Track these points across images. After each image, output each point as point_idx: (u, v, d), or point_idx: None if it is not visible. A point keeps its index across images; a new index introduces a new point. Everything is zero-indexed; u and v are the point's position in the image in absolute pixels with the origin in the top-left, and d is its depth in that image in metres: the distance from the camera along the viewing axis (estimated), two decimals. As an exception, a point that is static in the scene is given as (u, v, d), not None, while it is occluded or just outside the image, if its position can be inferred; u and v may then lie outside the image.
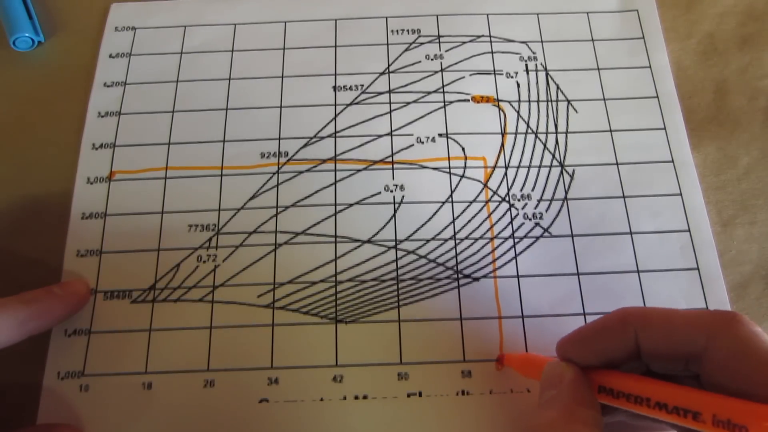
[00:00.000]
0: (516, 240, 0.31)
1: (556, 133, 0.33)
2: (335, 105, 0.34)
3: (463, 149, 0.33)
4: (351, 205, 0.31)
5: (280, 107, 0.34)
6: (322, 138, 0.33)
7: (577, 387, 0.22)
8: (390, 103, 0.34)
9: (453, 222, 0.31)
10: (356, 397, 0.28)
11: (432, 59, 0.35)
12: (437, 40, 0.36)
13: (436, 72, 0.35)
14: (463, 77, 0.34)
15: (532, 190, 0.32)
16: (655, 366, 0.22)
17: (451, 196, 0.32)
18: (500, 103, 0.34)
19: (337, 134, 0.33)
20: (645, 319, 0.21)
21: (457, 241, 0.31)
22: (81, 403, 0.28)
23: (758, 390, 0.18)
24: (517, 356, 0.28)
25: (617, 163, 0.32)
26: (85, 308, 0.30)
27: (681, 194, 0.32)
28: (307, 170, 0.32)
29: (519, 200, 0.32)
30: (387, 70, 0.35)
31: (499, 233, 0.31)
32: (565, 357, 0.23)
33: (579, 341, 0.23)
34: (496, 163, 0.32)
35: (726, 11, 0.36)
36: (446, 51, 0.35)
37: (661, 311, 0.21)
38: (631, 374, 0.22)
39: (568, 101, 0.34)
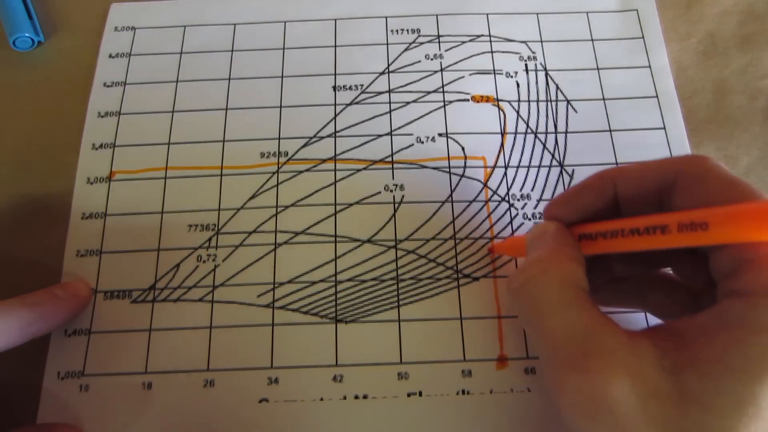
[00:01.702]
0: (516, 240, 0.31)
1: (556, 133, 0.33)
2: (335, 105, 0.34)
3: (463, 149, 0.33)
4: (351, 204, 0.31)
5: (280, 107, 0.34)
6: (322, 138, 0.33)
7: (561, 233, 0.24)
8: (390, 102, 0.34)
9: (453, 222, 0.31)
10: (356, 397, 0.28)
11: (432, 59, 0.35)
12: (437, 40, 0.36)
13: (435, 72, 0.35)
14: (463, 77, 0.34)
15: (532, 189, 0.32)
16: (631, 213, 0.23)
17: (450, 195, 0.32)
18: (500, 103, 0.34)
19: (337, 134, 0.33)
20: (621, 170, 0.23)
21: (457, 241, 0.31)
22: (81, 403, 0.28)
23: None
24: (504, 242, 0.29)
25: (617, 163, 0.32)
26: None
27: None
28: (307, 170, 0.32)
29: (519, 200, 0.32)
30: (387, 70, 0.35)
31: (499, 233, 0.31)
32: (550, 217, 0.25)
33: (561, 201, 0.25)
34: (496, 162, 0.32)
35: (726, 11, 0.36)
36: (446, 51, 0.35)
37: (636, 163, 0.23)
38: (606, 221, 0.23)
39: (568, 101, 0.34)
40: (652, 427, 0.18)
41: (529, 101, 0.34)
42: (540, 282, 0.22)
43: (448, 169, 0.32)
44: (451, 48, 0.35)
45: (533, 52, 0.35)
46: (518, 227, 0.31)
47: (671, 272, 0.26)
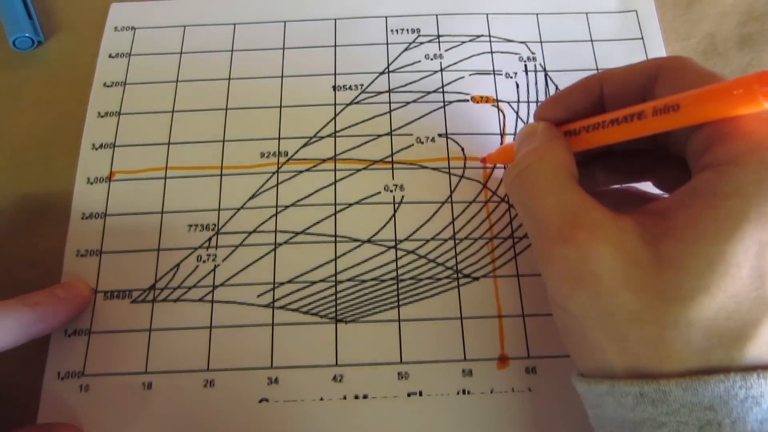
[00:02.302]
0: (516, 240, 0.31)
1: (556, 132, 0.33)
2: (335, 105, 0.34)
3: (463, 149, 0.33)
4: (351, 204, 0.31)
5: (280, 107, 0.34)
6: (322, 138, 0.33)
7: (550, 128, 0.25)
8: (390, 102, 0.34)
9: (452, 222, 0.31)
10: (356, 397, 0.28)
11: (432, 59, 0.35)
12: (437, 40, 0.36)
13: (435, 72, 0.35)
14: (463, 77, 0.34)
15: (532, 189, 0.32)
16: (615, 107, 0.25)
17: (450, 196, 0.32)
18: (499, 104, 0.34)
19: (337, 134, 0.33)
20: (608, 71, 0.25)
21: (457, 241, 0.31)
22: (81, 403, 0.28)
23: None
24: (495, 151, 0.31)
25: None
26: (85, 308, 0.30)
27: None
28: (307, 170, 0.32)
29: (519, 200, 0.32)
30: (387, 70, 0.35)
31: (499, 233, 0.31)
32: (539, 119, 0.27)
33: (550, 102, 0.26)
34: (496, 163, 0.32)
35: (726, 11, 0.37)
36: (446, 51, 0.35)
37: (621, 66, 0.25)
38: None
39: (568, 101, 0.34)
40: (632, 289, 0.20)
41: (528, 102, 0.34)
42: (535, 169, 0.24)
43: (447, 170, 0.32)
44: (451, 48, 0.35)
45: (533, 53, 0.35)
46: (518, 227, 0.31)
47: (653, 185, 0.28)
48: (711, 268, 0.19)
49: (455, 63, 0.35)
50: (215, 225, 0.31)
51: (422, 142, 0.33)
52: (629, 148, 0.27)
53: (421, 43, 0.35)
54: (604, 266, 0.20)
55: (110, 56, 0.36)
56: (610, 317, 0.20)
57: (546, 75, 0.35)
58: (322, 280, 0.30)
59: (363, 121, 0.33)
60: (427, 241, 0.31)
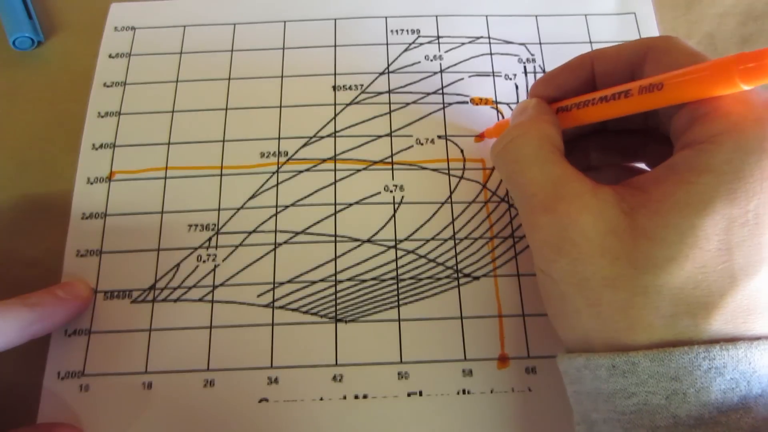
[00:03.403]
0: (516, 239, 0.31)
1: (556, 133, 0.33)
2: (335, 105, 0.34)
3: (462, 151, 0.33)
4: (351, 204, 0.31)
5: (280, 107, 0.34)
6: (322, 138, 0.33)
7: (540, 104, 0.26)
8: (390, 103, 0.34)
9: (452, 222, 0.31)
10: (356, 397, 0.28)
11: (431, 60, 0.35)
12: (437, 41, 0.36)
13: (435, 73, 0.35)
14: (462, 78, 0.35)
15: (532, 190, 0.32)
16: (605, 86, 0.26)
17: (450, 196, 0.32)
18: (499, 105, 0.34)
19: (337, 134, 0.33)
20: (599, 50, 0.26)
21: (457, 241, 0.31)
22: (81, 403, 0.28)
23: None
24: (493, 126, 0.32)
25: (616, 164, 0.32)
26: (85, 308, 0.30)
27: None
28: (307, 170, 0.32)
29: (518, 200, 0.32)
30: (387, 71, 0.35)
31: (499, 233, 0.31)
32: (533, 95, 0.27)
33: (543, 80, 0.27)
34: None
35: (726, 11, 0.37)
36: (445, 52, 0.35)
37: (612, 45, 0.26)
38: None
39: (568, 102, 0.34)
40: (607, 257, 0.21)
41: (528, 102, 0.34)
42: (520, 142, 0.25)
43: (447, 171, 0.32)
44: (450, 49, 0.35)
45: (532, 54, 0.35)
46: (518, 227, 0.31)
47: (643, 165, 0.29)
48: (681, 239, 0.20)
49: (455, 64, 0.35)
50: (215, 225, 0.31)
51: (422, 144, 0.33)
52: (623, 128, 0.29)
53: (421, 44, 0.36)
54: (582, 234, 0.21)
55: (110, 56, 0.36)
56: (586, 282, 0.21)
57: (545, 76, 0.35)
58: (322, 280, 0.30)
59: (363, 122, 0.33)
60: (427, 240, 0.31)
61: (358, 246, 0.31)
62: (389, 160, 0.32)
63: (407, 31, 0.36)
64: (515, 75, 0.35)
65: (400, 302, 0.29)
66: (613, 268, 0.21)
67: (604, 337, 0.21)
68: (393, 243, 0.31)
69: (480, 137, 0.33)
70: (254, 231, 0.31)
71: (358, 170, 0.32)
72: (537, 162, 0.24)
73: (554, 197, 0.22)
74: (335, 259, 0.30)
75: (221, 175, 0.32)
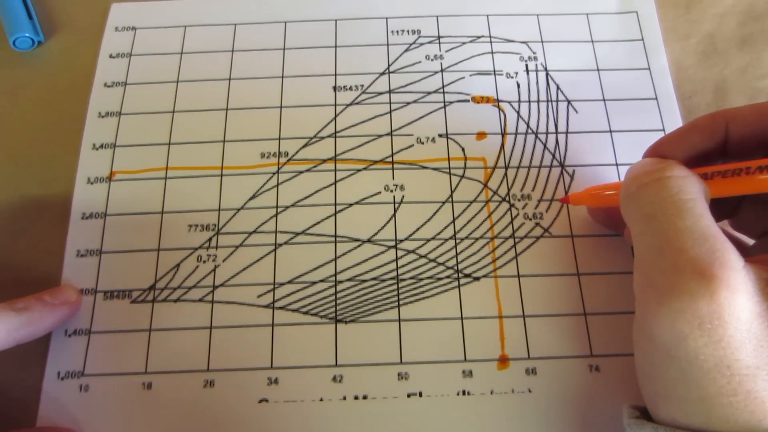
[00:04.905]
0: (516, 240, 0.31)
1: (556, 133, 0.33)
2: (335, 105, 0.34)
3: (463, 150, 0.33)
4: (351, 204, 0.31)
5: (280, 107, 0.34)
6: (322, 138, 0.33)
7: (679, 164, 0.22)
8: (390, 103, 0.34)
9: (453, 222, 0.31)
10: (356, 397, 0.28)
11: (432, 59, 0.35)
12: (437, 41, 0.36)
13: (436, 72, 0.35)
14: (463, 77, 0.34)
15: (533, 190, 0.32)
16: (739, 156, 0.23)
17: (451, 196, 0.32)
18: (500, 104, 0.34)
19: (337, 134, 0.33)
20: (735, 110, 0.23)
21: (458, 241, 0.31)
22: (81, 404, 0.28)
23: None
24: (583, 192, 0.29)
25: (617, 164, 0.32)
26: (85, 308, 0.30)
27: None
28: (307, 170, 0.32)
29: (519, 200, 0.32)
30: (387, 71, 0.35)
31: (500, 233, 0.31)
32: (655, 154, 0.24)
33: (669, 139, 0.24)
34: (496, 163, 0.32)
35: (726, 11, 0.37)
36: (446, 51, 0.35)
37: (749, 105, 0.23)
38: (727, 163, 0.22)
39: (569, 101, 0.34)
40: (752, 343, 0.19)
41: (529, 102, 0.34)
42: (669, 183, 0.21)
43: (448, 170, 0.32)
44: (451, 49, 0.35)
45: (534, 53, 0.35)
46: (519, 227, 0.31)
47: None
48: None
49: (456, 63, 0.35)
50: (215, 225, 0.31)
51: (422, 143, 0.33)
52: None
53: (422, 44, 0.35)
54: (734, 315, 0.19)
55: (111, 56, 0.36)
56: (726, 369, 0.19)
57: (547, 74, 0.35)
58: (322, 281, 0.30)
59: (363, 122, 0.33)
60: (428, 240, 0.31)
61: (359, 246, 0.31)
62: (389, 159, 0.32)
63: (408, 31, 0.36)
64: (517, 73, 0.35)
65: (400, 302, 0.29)
66: (758, 358, 0.19)
67: (732, 425, 0.19)
68: (393, 243, 0.31)
69: (565, 200, 0.31)
70: (254, 231, 0.31)
71: (359, 170, 0.32)
72: (688, 212, 0.20)
73: (711, 263, 0.19)
74: (335, 259, 0.30)
75: (221, 175, 0.32)
